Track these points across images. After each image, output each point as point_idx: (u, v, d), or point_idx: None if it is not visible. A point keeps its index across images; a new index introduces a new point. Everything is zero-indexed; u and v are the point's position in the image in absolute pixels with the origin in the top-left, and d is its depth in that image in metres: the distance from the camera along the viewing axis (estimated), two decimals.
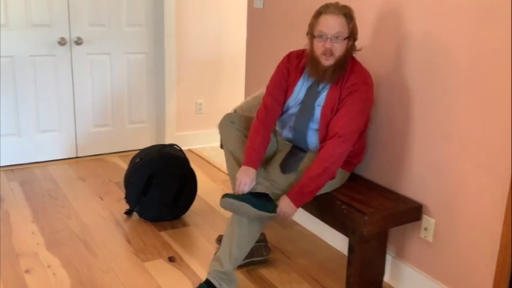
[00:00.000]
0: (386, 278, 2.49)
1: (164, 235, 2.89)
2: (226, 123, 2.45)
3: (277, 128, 2.48)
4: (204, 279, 2.34)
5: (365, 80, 2.20)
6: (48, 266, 2.51)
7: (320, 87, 2.25)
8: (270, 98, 2.36)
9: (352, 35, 2.17)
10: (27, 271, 2.46)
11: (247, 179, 2.20)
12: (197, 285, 2.26)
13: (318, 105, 2.25)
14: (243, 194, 2.19)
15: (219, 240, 2.74)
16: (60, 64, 3.86)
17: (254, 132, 2.32)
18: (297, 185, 2.18)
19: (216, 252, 2.33)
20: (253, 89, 3.46)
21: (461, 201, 2.09)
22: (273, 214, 2.18)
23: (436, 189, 2.20)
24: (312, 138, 2.29)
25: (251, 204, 2.13)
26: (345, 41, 2.14)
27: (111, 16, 3.97)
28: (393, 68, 2.34)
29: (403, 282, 2.41)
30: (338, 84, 2.20)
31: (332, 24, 2.10)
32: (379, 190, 2.39)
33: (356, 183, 2.45)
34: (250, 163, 2.25)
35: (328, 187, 2.30)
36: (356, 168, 2.55)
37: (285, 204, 2.17)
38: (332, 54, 2.12)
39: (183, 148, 3.60)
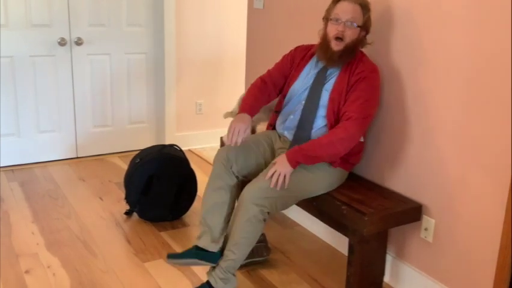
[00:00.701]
0: (386, 278, 2.49)
1: (164, 235, 2.89)
2: (220, 158, 2.35)
3: (278, 123, 2.47)
4: (203, 279, 2.35)
5: (374, 68, 2.27)
6: (48, 267, 2.51)
7: (329, 72, 2.32)
8: (267, 74, 2.48)
9: (365, 26, 2.26)
10: (27, 271, 2.46)
11: (241, 125, 2.21)
12: (198, 285, 2.26)
13: (326, 90, 2.30)
14: (187, 250, 2.27)
15: None
16: (60, 64, 3.86)
17: (247, 91, 2.42)
18: (297, 146, 2.18)
19: None
20: None
21: (461, 202, 2.09)
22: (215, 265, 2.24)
23: (436, 189, 2.19)
24: (319, 126, 2.30)
25: (198, 258, 2.22)
26: (358, 29, 2.24)
27: (111, 16, 3.98)
28: (393, 69, 2.34)
29: (403, 282, 2.41)
30: (346, 71, 2.27)
31: (347, 10, 2.21)
32: (379, 190, 2.39)
33: (356, 183, 2.45)
34: (244, 109, 2.29)
35: (327, 187, 2.30)
36: (356, 168, 2.55)
37: (280, 161, 2.14)
38: (342, 38, 2.21)
39: (183, 148, 3.60)
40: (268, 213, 2.18)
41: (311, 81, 2.34)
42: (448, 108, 2.10)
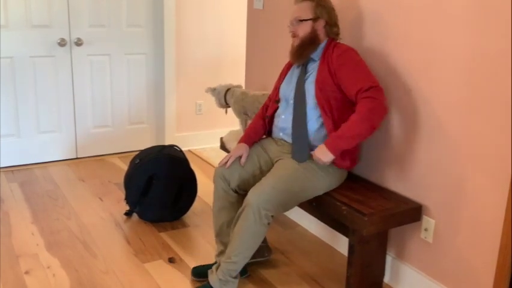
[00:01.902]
0: (386, 279, 2.49)
1: (164, 236, 2.89)
2: (219, 180, 2.41)
3: (273, 127, 2.48)
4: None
5: (347, 48, 2.33)
6: (48, 267, 2.51)
7: (309, 68, 2.38)
8: (268, 98, 2.64)
9: (320, 17, 2.34)
10: (27, 272, 2.46)
11: (237, 152, 2.39)
12: (199, 285, 2.26)
13: (310, 83, 2.34)
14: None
15: None
16: (60, 65, 3.86)
17: (252, 120, 2.61)
18: (333, 134, 2.21)
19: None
20: (253, 89, 3.46)
21: (461, 202, 2.09)
22: None
23: (436, 189, 2.19)
24: (313, 118, 2.31)
25: None
26: (308, 23, 2.34)
27: (111, 17, 3.98)
28: (393, 69, 2.34)
29: (403, 283, 2.41)
30: (324, 60, 2.32)
31: (293, 11, 2.39)
32: (379, 191, 2.39)
33: (356, 183, 2.45)
34: (243, 140, 2.47)
35: (327, 186, 2.30)
36: (356, 168, 2.55)
37: (320, 151, 2.19)
38: (295, 35, 2.37)
39: (183, 149, 3.60)
40: (272, 216, 2.18)
41: (295, 81, 2.39)
42: (447, 109, 2.10)
